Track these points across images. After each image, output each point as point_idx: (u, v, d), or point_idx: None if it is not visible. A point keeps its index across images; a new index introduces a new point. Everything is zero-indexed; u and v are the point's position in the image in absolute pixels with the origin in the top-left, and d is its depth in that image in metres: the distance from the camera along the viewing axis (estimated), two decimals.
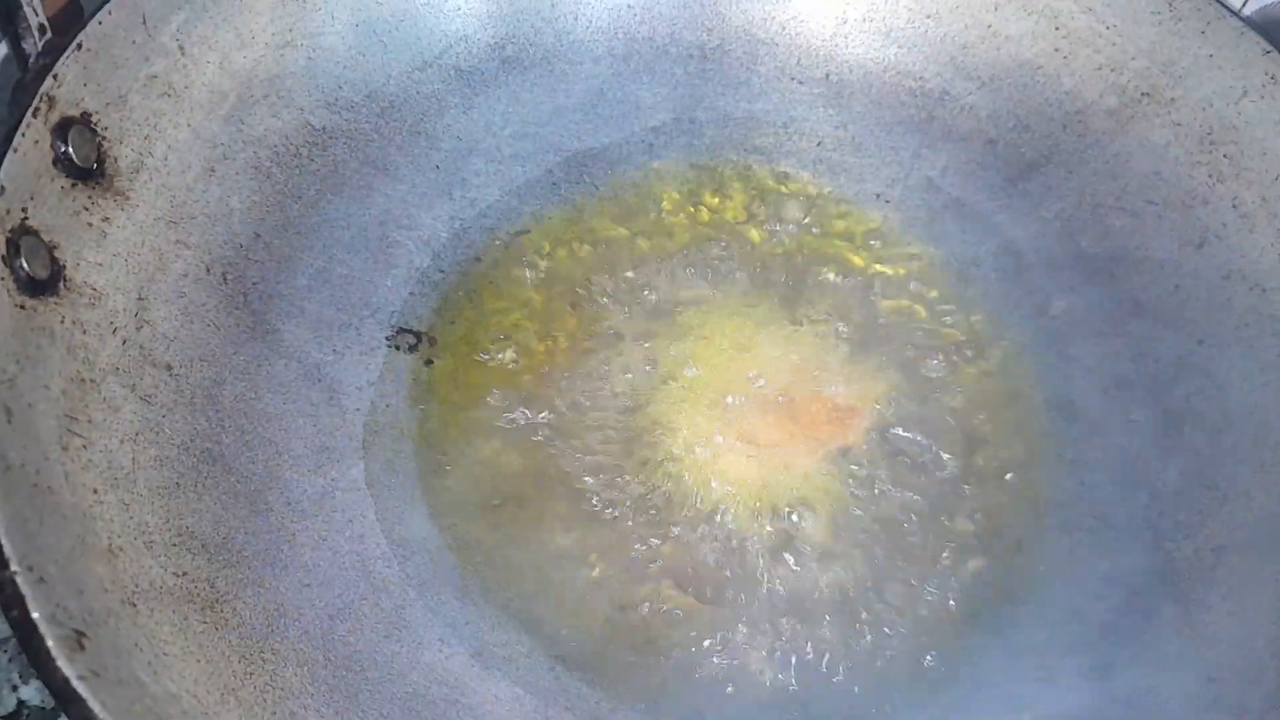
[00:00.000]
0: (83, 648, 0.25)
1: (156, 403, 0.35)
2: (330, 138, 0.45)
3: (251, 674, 0.30)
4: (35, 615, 0.24)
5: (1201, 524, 0.39)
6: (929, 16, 0.51)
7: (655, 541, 0.39)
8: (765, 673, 0.37)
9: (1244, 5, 0.49)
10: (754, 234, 0.49)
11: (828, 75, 0.52)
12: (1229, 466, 0.40)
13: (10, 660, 0.42)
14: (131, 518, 0.31)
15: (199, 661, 0.29)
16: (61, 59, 0.35)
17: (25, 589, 0.24)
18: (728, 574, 0.39)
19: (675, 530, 0.40)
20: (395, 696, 0.33)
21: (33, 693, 0.42)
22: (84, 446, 0.31)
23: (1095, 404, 0.44)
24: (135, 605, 0.29)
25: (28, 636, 0.24)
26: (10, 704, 0.41)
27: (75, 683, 0.23)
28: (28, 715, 0.41)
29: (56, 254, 0.33)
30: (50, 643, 0.24)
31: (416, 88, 0.48)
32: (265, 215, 0.43)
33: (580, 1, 0.51)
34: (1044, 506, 0.42)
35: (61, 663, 0.24)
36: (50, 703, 0.41)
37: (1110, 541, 0.40)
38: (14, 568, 0.25)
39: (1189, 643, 0.36)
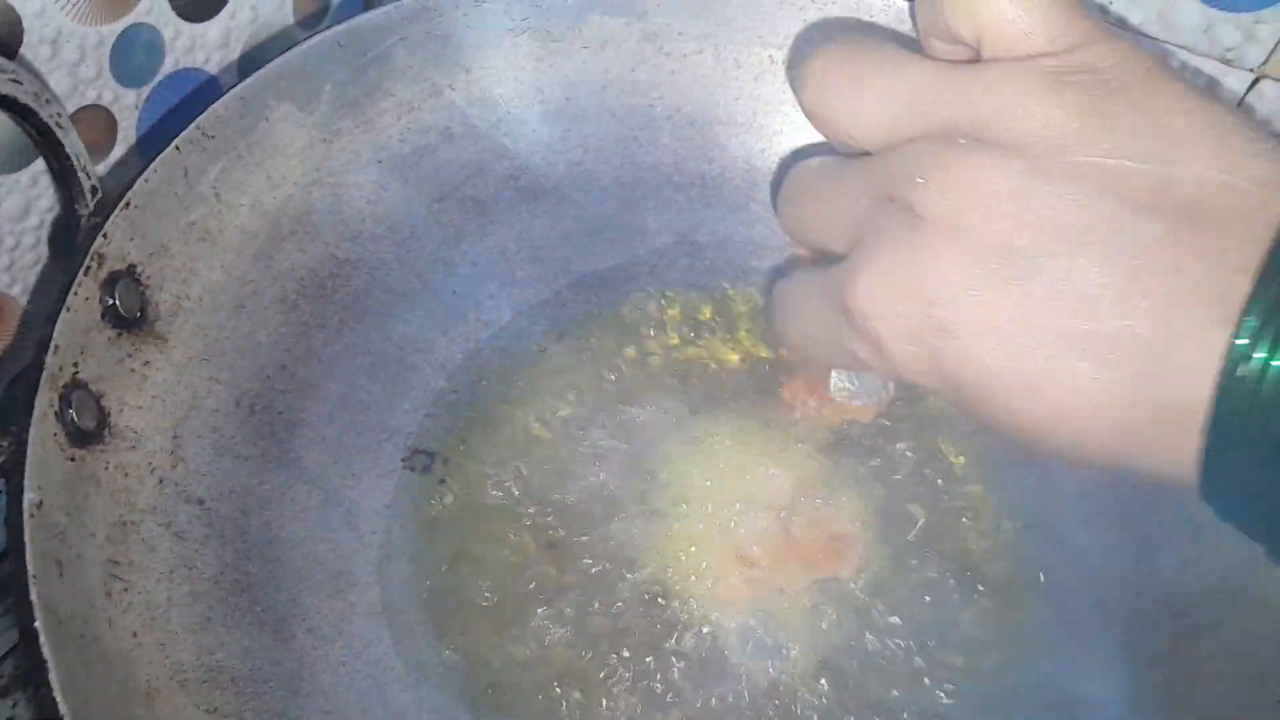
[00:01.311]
0: None
1: (190, 538, 0.38)
2: (354, 269, 0.48)
3: None
4: None
5: (1174, 652, 0.41)
6: None
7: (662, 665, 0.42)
8: None
9: None
10: (754, 353, 0.52)
11: None
12: (1200, 596, 0.42)
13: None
14: (167, 657, 0.34)
15: None
16: (111, 217, 0.38)
17: None
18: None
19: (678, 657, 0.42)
20: None
21: None
22: (125, 590, 0.34)
23: (1074, 528, 0.46)
24: None
25: None
26: None
27: None
28: None
29: (103, 403, 0.36)
30: None
31: (435, 218, 0.51)
32: (291, 346, 0.45)
33: (589, 134, 0.54)
34: (1022, 630, 0.44)
35: None
36: None
37: (1086, 667, 0.42)
38: None
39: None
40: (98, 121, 0.47)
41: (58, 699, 0.27)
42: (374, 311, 0.49)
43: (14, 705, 0.46)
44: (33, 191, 0.44)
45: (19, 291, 0.45)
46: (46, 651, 0.28)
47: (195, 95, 0.50)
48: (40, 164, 0.43)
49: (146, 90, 0.49)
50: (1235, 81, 0.51)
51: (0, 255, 0.44)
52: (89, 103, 0.46)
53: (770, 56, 0.54)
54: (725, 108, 0.55)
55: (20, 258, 0.45)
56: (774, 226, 0.55)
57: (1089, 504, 0.47)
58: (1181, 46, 0.51)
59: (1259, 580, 0.41)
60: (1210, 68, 0.51)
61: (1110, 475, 0.47)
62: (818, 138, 0.54)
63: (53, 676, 0.27)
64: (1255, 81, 0.50)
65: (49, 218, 0.45)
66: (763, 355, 0.52)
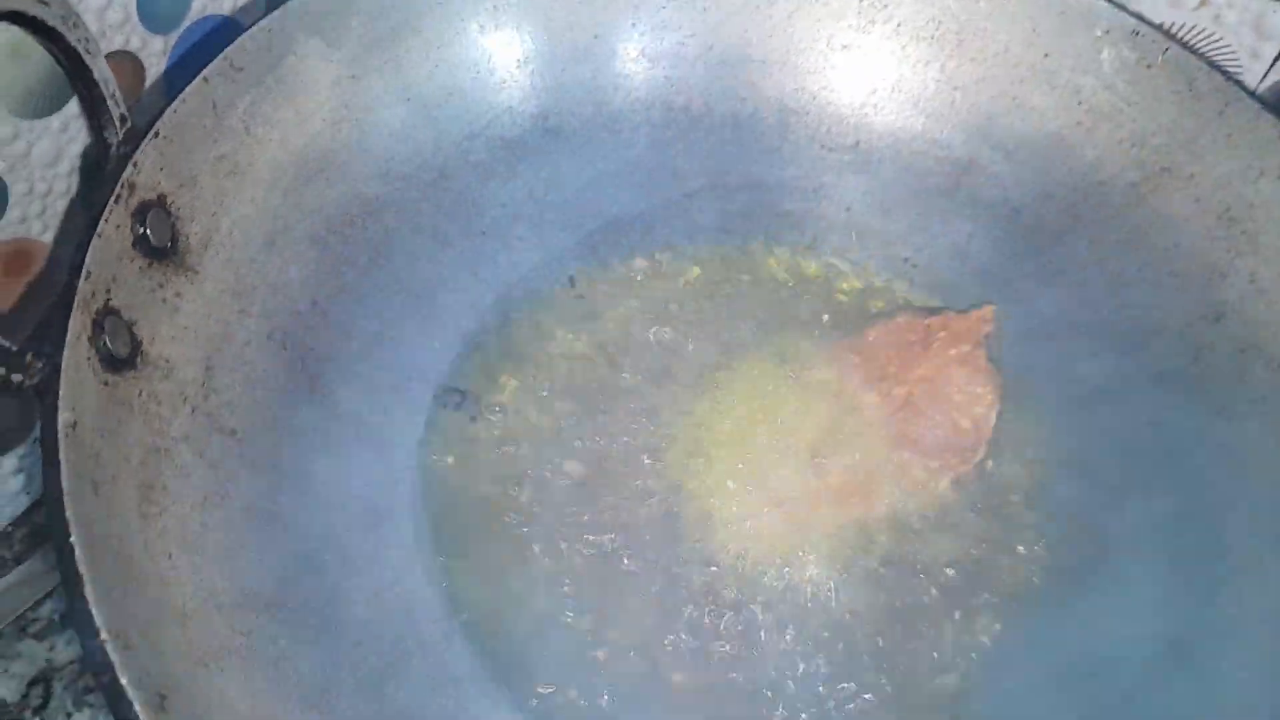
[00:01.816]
0: (165, 710, 0.27)
1: (223, 468, 0.38)
2: (382, 207, 0.48)
3: None
4: (124, 680, 0.26)
5: (1216, 593, 0.40)
6: (956, 88, 0.53)
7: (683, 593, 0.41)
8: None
9: (1260, 84, 0.50)
10: (784, 295, 0.51)
11: (857, 143, 0.54)
12: (1244, 537, 0.41)
13: (65, 688, 0.45)
14: (202, 581, 0.34)
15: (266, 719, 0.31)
16: (141, 147, 0.37)
17: (113, 655, 0.27)
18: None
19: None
20: None
21: (85, 719, 0.44)
22: (160, 514, 0.34)
23: (1113, 469, 0.46)
24: (207, 666, 0.31)
25: (116, 700, 0.26)
26: None
27: None
28: None
29: (135, 330, 0.36)
30: (137, 706, 0.26)
31: (464, 158, 0.51)
32: (322, 283, 0.45)
33: (619, 74, 0.53)
34: (1061, 572, 0.43)
35: None
36: None
37: (1126, 609, 0.42)
38: (104, 635, 0.27)
39: (1200, 711, 0.37)
40: (125, 67, 0.47)
41: (93, 612, 0.27)
42: (403, 250, 0.48)
43: (51, 649, 0.46)
44: (63, 136, 0.44)
45: (50, 238, 0.45)
46: (82, 567, 0.28)
47: (222, 41, 0.50)
48: (71, 108, 0.43)
49: (174, 37, 0.48)
50: None
51: (33, 201, 0.44)
52: (116, 48, 0.46)
53: None
54: (758, 46, 0.54)
55: (52, 204, 0.45)
56: (807, 168, 0.55)
57: (1130, 444, 0.46)
58: None
59: None
60: (1257, 3, 0.49)
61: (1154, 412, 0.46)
62: (852, 78, 0.55)
63: (88, 590, 0.27)
64: None
65: (79, 163, 0.45)
66: (794, 298, 0.51)
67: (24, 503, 0.49)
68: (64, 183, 0.45)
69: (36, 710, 0.45)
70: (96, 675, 0.27)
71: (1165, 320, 0.47)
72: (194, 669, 0.30)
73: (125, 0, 0.44)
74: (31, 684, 0.45)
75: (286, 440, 0.41)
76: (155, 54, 0.48)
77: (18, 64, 0.39)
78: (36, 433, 0.47)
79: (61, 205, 0.45)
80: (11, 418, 0.45)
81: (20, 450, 0.47)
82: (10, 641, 0.46)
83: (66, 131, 0.44)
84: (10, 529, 0.48)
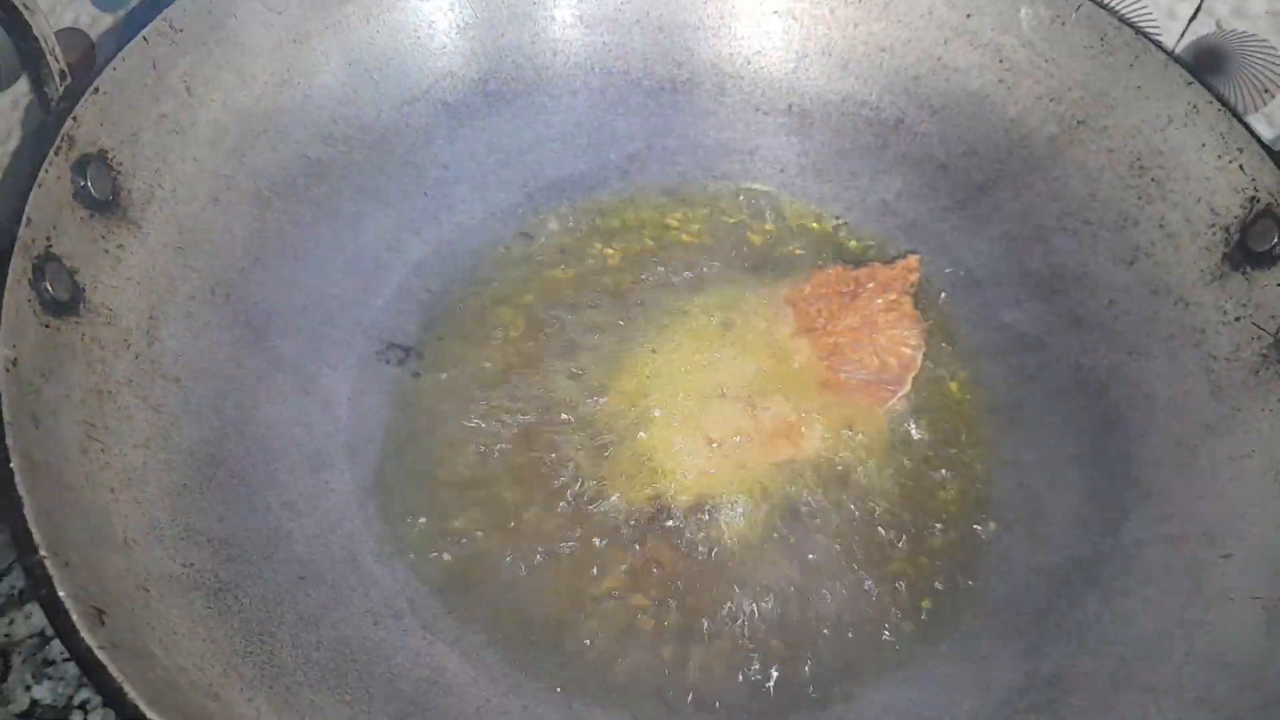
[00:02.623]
0: (103, 623, 0.28)
1: (166, 412, 0.39)
2: (325, 168, 0.49)
3: (251, 653, 0.34)
4: (61, 594, 0.28)
5: (1125, 519, 0.42)
6: (883, 50, 0.54)
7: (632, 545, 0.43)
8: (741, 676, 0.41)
9: (1178, 43, 0.52)
10: (720, 251, 0.53)
11: (790, 106, 0.56)
12: (1152, 467, 0.43)
13: (24, 661, 0.46)
14: (144, 515, 0.35)
15: (204, 641, 0.33)
16: (80, 102, 0.38)
17: (52, 571, 0.28)
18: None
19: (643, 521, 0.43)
20: (381, 676, 0.36)
21: (45, 691, 0.45)
22: (102, 450, 0.35)
23: (1036, 409, 0.48)
24: (148, 590, 0.32)
25: (54, 612, 0.27)
26: (24, 702, 0.45)
27: (97, 652, 0.27)
28: (40, 713, 0.45)
29: (77, 278, 0.37)
30: (74, 617, 0.27)
31: (405, 121, 0.52)
32: (265, 241, 0.46)
33: (558, 39, 0.55)
34: (985, 505, 0.45)
35: (84, 634, 0.27)
36: (61, 701, 0.44)
37: (1043, 537, 0.44)
38: (42, 552, 0.28)
39: (1109, 626, 0.39)
40: (76, 44, 0.47)
41: (32, 531, 0.28)
42: (346, 211, 0.49)
43: (10, 623, 0.47)
44: (14, 114, 0.45)
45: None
46: (21, 490, 0.29)
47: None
48: (22, 86, 0.44)
49: (123, 15, 0.49)
50: None
51: None
52: (66, 25, 0.47)
53: None
54: (694, 12, 0.56)
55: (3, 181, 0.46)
56: (742, 130, 0.56)
57: (1051, 385, 0.48)
58: None
59: None
60: None
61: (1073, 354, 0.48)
62: (784, 41, 0.56)
63: (27, 511, 0.29)
64: None
65: (23, 117, 0.45)
66: (730, 253, 0.53)
67: None
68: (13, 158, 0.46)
69: None
70: (35, 590, 0.28)
71: (1083, 267, 0.49)
72: (134, 592, 0.31)
73: None
74: None
75: (230, 389, 0.42)
76: (106, 32, 0.48)
77: None
78: None
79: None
80: None
81: None
82: None
83: (17, 109, 0.44)
84: None
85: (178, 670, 0.30)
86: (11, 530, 0.29)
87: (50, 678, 0.45)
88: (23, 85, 0.44)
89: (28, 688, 0.45)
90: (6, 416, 0.30)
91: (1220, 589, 0.37)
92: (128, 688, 0.26)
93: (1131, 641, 0.38)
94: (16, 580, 0.48)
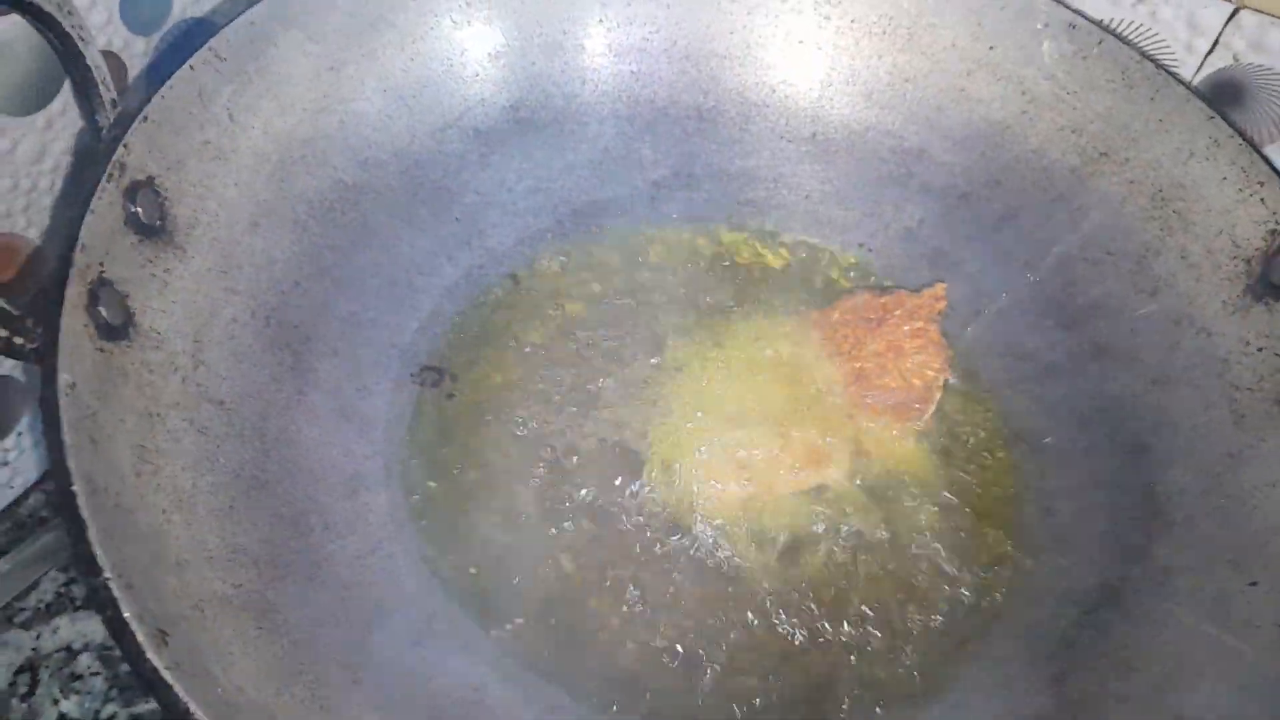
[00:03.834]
0: (166, 644, 0.29)
1: (211, 434, 0.39)
2: (361, 194, 0.50)
3: (301, 673, 0.34)
4: (126, 615, 0.28)
5: (1150, 546, 0.43)
6: (907, 80, 0.55)
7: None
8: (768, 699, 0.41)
9: (1195, 76, 0.53)
10: (747, 277, 0.54)
11: (814, 134, 0.57)
12: (1176, 495, 0.44)
13: (52, 675, 0.46)
14: (194, 536, 0.35)
15: (256, 661, 0.33)
16: (130, 130, 0.39)
17: (117, 593, 0.29)
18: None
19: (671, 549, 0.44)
20: (424, 695, 0.37)
21: (72, 706, 0.46)
22: (154, 473, 0.35)
23: (1060, 438, 0.48)
24: (203, 611, 0.33)
25: (120, 633, 0.28)
26: (53, 716, 0.45)
27: (164, 672, 0.27)
28: None
29: (128, 303, 0.38)
30: (140, 638, 0.28)
31: (439, 147, 0.53)
32: (304, 264, 0.47)
33: (587, 67, 0.56)
34: (1010, 531, 0.46)
35: (150, 655, 0.28)
36: (89, 715, 0.45)
37: (1069, 563, 0.44)
38: (107, 574, 0.29)
39: (1136, 653, 0.40)
40: (110, 67, 0.48)
41: (97, 554, 0.29)
42: (382, 235, 0.50)
43: (37, 637, 0.48)
44: (48, 134, 0.45)
45: (35, 233, 0.47)
46: (85, 513, 0.30)
47: (203, 41, 0.51)
48: (55, 105, 0.45)
49: (155, 39, 0.50)
50: (1215, 14, 0.52)
51: (18, 197, 0.45)
52: (100, 48, 0.48)
53: None
54: (720, 41, 0.57)
55: (36, 200, 0.46)
56: (767, 158, 0.57)
57: (1074, 414, 0.49)
58: None
59: None
60: (1190, 0, 0.52)
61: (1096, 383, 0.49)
62: (808, 71, 0.57)
63: (91, 534, 0.29)
64: (1235, 12, 0.52)
65: (65, 160, 0.46)
66: (756, 280, 0.54)
67: (8, 496, 0.50)
68: (48, 179, 0.46)
69: (24, 697, 0.46)
70: (101, 612, 0.28)
71: (1106, 296, 0.50)
72: (190, 612, 0.32)
73: (108, 2, 0.46)
74: (19, 672, 0.47)
75: (272, 412, 0.43)
76: (137, 55, 0.49)
77: (3, 63, 0.41)
78: (19, 428, 0.49)
79: (46, 201, 0.47)
80: None
81: (5, 444, 0.49)
82: None
83: (50, 129, 0.45)
84: None
85: (236, 690, 0.30)
86: (75, 552, 0.29)
87: (77, 692, 0.46)
88: (55, 105, 0.45)
89: (55, 701, 0.46)
90: (68, 440, 0.31)
91: (1246, 617, 0.38)
92: (194, 707, 0.27)
93: (1159, 668, 0.39)
94: (44, 595, 0.48)
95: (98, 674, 0.47)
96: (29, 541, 0.49)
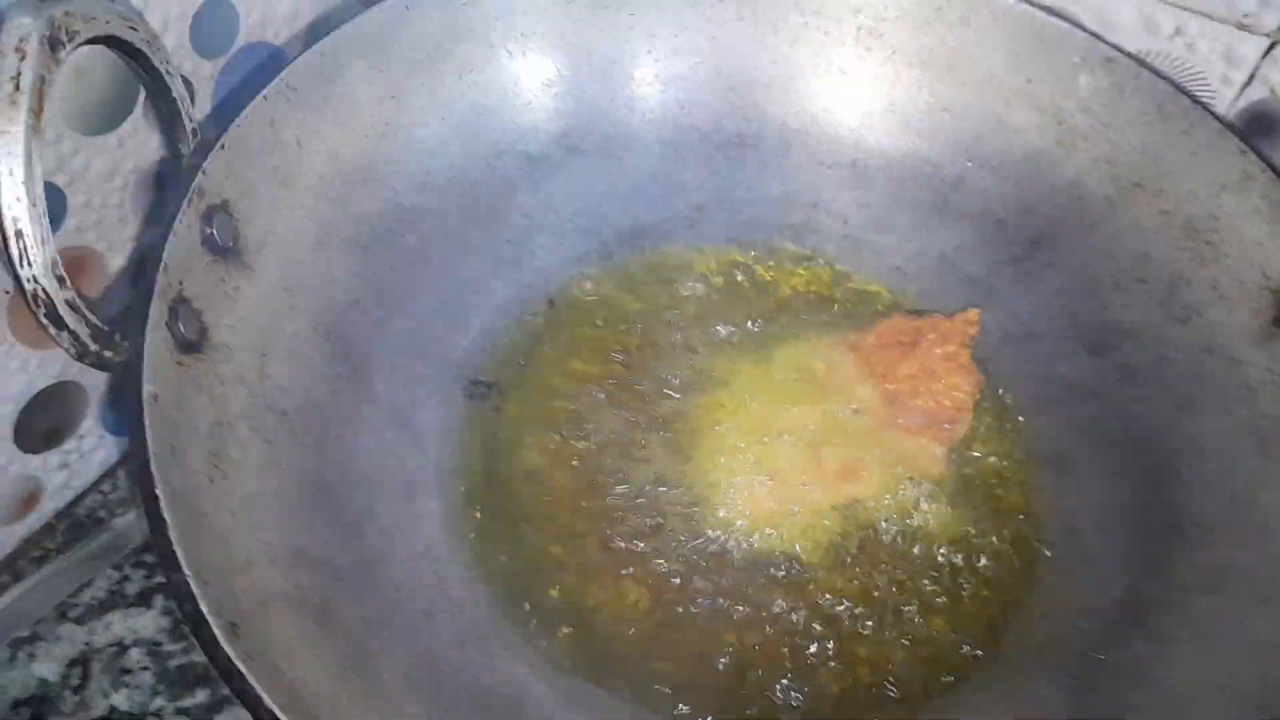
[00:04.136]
0: (238, 636, 0.31)
1: (276, 443, 0.42)
2: (417, 216, 0.53)
3: (356, 669, 0.37)
4: (204, 609, 0.31)
5: (1172, 567, 0.44)
6: (945, 110, 0.57)
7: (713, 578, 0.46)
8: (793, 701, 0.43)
9: (1231, 108, 0.54)
10: (785, 299, 0.56)
11: (854, 161, 0.58)
12: (1199, 518, 0.45)
13: (103, 669, 0.49)
14: (260, 538, 0.38)
15: (316, 656, 0.36)
16: (209, 157, 0.42)
17: (195, 588, 0.31)
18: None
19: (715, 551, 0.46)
20: (470, 694, 0.39)
21: (122, 699, 0.48)
22: (224, 478, 0.38)
23: (1086, 459, 0.50)
24: (267, 608, 0.35)
25: (198, 626, 0.30)
26: (103, 709, 0.48)
27: (237, 662, 0.30)
28: (118, 717, 0.48)
29: (203, 318, 0.40)
30: (216, 630, 0.31)
31: (492, 172, 0.55)
32: (363, 284, 0.49)
33: (635, 95, 0.58)
34: (1035, 549, 0.47)
35: (226, 646, 0.30)
36: (138, 709, 0.48)
37: (1091, 581, 0.46)
38: (186, 571, 0.31)
39: (1155, 669, 0.41)
40: None
41: (177, 551, 0.31)
42: (436, 256, 0.53)
43: (90, 633, 0.50)
44: (119, 153, 0.48)
45: (104, 248, 0.50)
46: (166, 514, 0.32)
47: (264, 67, 0.54)
48: (126, 127, 0.47)
49: (222, 61, 0.53)
50: (1252, 48, 0.53)
51: (90, 213, 0.48)
52: None
53: (805, 22, 0.58)
54: (763, 70, 0.59)
55: (106, 215, 0.49)
56: (807, 183, 0.59)
57: (1101, 437, 0.50)
58: (1200, 12, 0.53)
59: None
60: (1227, 34, 0.53)
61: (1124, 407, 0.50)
62: (849, 100, 0.59)
63: (172, 533, 0.32)
64: (1271, 46, 0.53)
65: (132, 179, 0.49)
66: (794, 303, 0.56)
67: (67, 497, 0.53)
68: (117, 196, 0.49)
69: (76, 689, 0.48)
70: (180, 604, 0.31)
71: (1136, 324, 0.51)
72: (257, 609, 0.35)
73: (180, 28, 0.49)
74: (71, 665, 0.49)
75: (331, 422, 0.45)
76: (205, 78, 0.52)
77: (80, 84, 0.44)
78: (80, 430, 0.52)
79: (115, 217, 0.50)
80: (57, 416, 0.50)
81: (66, 446, 0.51)
82: (51, 625, 0.50)
83: (122, 148, 0.48)
84: (54, 521, 0.52)
85: (299, 682, 0.33)
86: (157, 551, 0.32)
87: (128, 685, 0.49)
88: (126, 127, 0.47)
89: (106, 695, 0.48)
90: (151, 447, 0.34)
91: (1265, 638, 0.39)
92: (264, 695, 0.29)
93: (1178, 685, 0.40)
94: (98, 592, 0.51)
95: (147, 669, 0.49)
96: (85, 541, 0.52)
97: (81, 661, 0.49)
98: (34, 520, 0.51)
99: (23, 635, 0.49)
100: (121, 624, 0.50)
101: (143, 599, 0.51)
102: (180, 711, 0.48)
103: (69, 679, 0.49)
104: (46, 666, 0.49)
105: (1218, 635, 0.41)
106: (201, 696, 0.48)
